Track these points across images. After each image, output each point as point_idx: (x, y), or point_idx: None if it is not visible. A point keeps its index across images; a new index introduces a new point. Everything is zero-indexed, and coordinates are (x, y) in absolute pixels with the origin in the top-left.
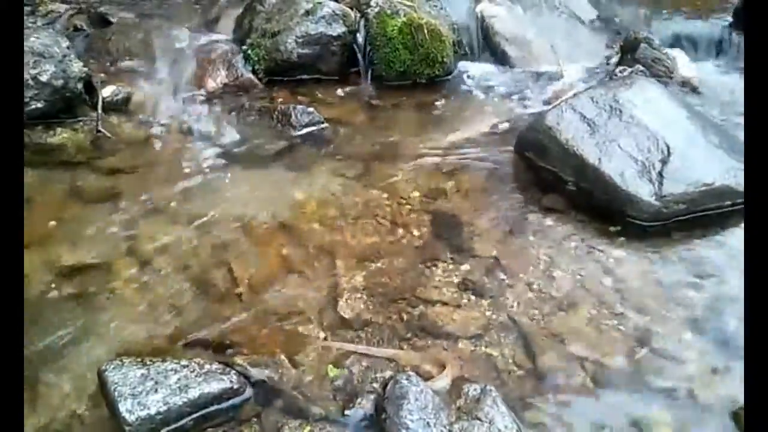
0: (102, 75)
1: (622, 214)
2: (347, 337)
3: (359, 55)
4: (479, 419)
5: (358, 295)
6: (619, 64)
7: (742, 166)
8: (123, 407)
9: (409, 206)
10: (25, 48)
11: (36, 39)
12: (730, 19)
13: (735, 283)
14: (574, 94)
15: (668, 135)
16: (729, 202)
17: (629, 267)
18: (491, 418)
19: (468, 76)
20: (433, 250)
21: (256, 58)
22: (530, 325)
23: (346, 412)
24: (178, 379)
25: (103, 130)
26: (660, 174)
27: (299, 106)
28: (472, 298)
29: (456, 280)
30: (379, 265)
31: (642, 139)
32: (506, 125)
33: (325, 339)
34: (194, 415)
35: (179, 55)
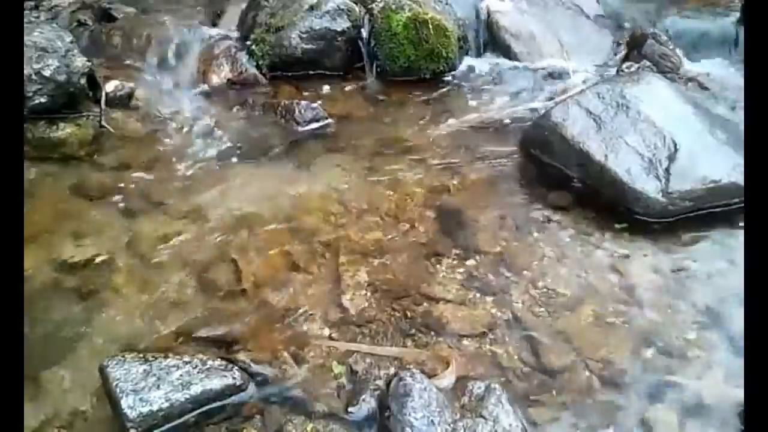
0: (105, 70)
1: (628, 211)
2: (351, 334)
3: (363, 51)
4: (483, 417)
5: (362, 292)
6: (625, 59)
7: None
8: (125, 403)
9: (413, 202)
10: (29, 42)
11: (40, 33)
12: (737, 14)
13: (742, 281)
14: (581, 90)
15: (675, 131)
16: (736, 200)
17: (635, 264)
18: (496, 416)
19: (473, 72)
20: (438, 247)
21: (260, 54)
22: (535, 322)
23: (350, 409)
24: (181, 375)
25: (106, 125)
26: (667, 170)
27: (303, 102)
28: (477, 295)
29: (460, 277)
30: (383, 261)
31: (649, 136)
32: (511, 121)
33: (330, 337)
34: (196, 412)
35: (183, 51)
